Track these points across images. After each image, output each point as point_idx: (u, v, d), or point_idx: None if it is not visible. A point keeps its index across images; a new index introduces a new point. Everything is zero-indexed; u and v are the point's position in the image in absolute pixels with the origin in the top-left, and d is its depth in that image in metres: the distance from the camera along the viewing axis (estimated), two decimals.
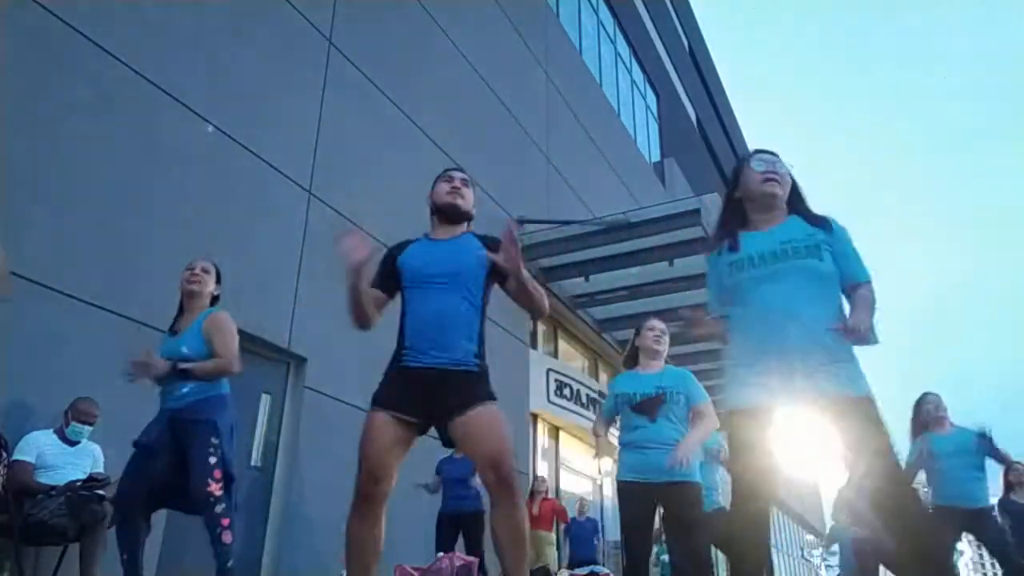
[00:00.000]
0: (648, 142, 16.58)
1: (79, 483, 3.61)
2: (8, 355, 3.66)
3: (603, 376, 11.69)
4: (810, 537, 29.25)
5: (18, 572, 3.32)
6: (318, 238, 5.97)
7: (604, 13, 15.02)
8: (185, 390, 3.15)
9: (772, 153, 2.28)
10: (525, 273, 2.26)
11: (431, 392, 2.23)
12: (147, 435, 3.14)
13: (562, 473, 10.08)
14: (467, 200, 2.55)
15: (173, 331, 3.34)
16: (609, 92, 14.33)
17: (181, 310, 3.40)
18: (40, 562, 3.73)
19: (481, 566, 5.76)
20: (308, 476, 5.51)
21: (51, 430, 3.78)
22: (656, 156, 17.01)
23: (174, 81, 5.02)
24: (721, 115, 24.60)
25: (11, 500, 3.32)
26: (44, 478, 3.62)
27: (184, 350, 3.21)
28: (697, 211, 8.58)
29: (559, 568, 7.93)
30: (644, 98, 16.91)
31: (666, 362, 3.54)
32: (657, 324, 3.57)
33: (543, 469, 9.46)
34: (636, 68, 16.55)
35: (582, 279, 9.38)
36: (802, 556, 28.29)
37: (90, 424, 3.81)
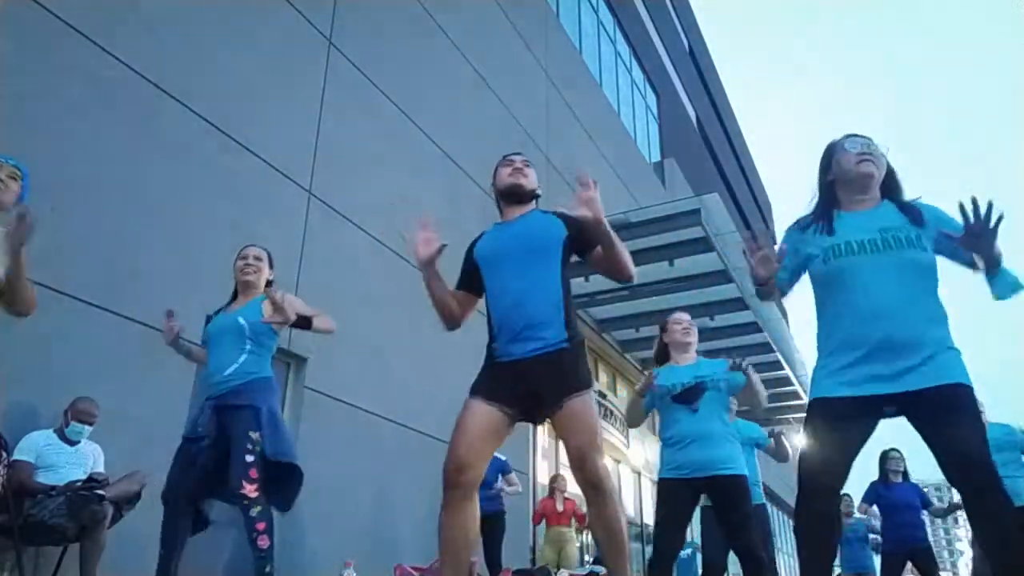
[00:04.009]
0: (648, 142, 16.57)
1: (79, 483, 3.61)
2: (8, 355, 3.66)
3: (603, 376, 11.69)
4: None
5: (18, 572, 3.31)
6: (318, 238, 5.97)
7: (604, 13, 15.01)
8: (229, 371, 3.10)
9: (865, 136, 2.21)
10: (607, 226, 2.20)
11: (525, 383, 2.21)
12: (194, 428, 3.10)
13: (562, 473, 10.07)
14: (530, 179, 2.57)
15: (225, 309, 3.34)
16: (609, 92, 14.32)
17: (235, 296, 3.41)
18: (40, 562, 3.73)
19: (498, 562, 5.83)
20: (308, 476, 5.50)
21: (51, 430, 3.78)
22: (656, 156, 17.01)
23: (174, 81, 5.02)
24: (721, 115, 24.60)
25: (11, 500, 3.32)
26: (44, 478, 3.61)
27: (240, 320, 3.18)
28: (697, 211, 8.59)
29: (559, 568, 7.92)
30: (644, 98, 16.91)
31: (698, 354, 3.49)
32: (683, 317, 3.53)
33: (543, 469, 9.46)
34: (636, 68, 16.55)
35: (582, 279, 9.37)
36: None
37: (90, 424, 3.81)
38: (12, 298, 2.37)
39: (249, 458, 2.96)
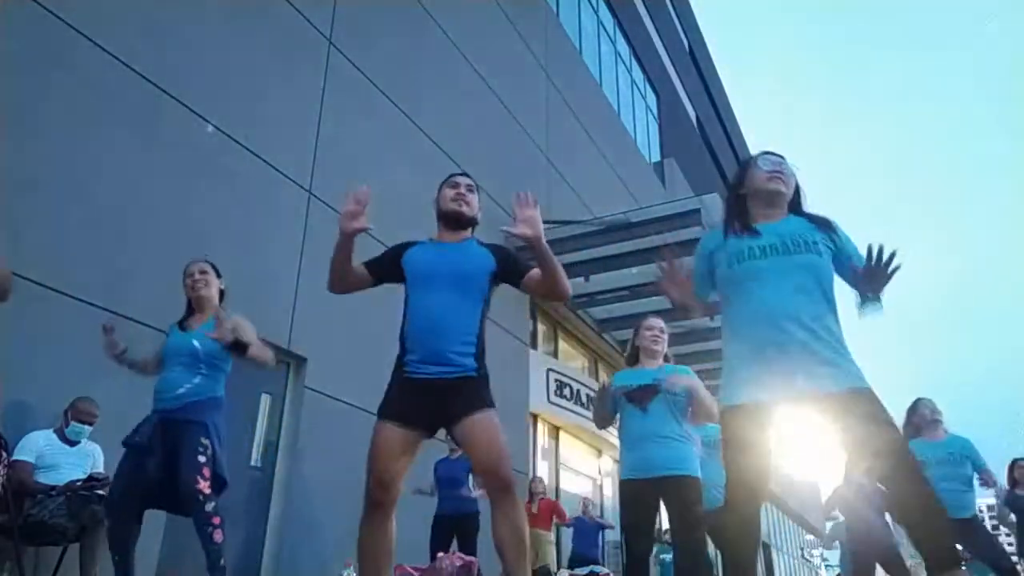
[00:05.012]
0: (648, 142, 16.57)
1: (79, 483, 3.62)
2: (8, 355, 3.66)
3: (603, 376, 11.69)
4: (810, 537, 29.24)
5: (18, 572, 3.31)
6: (318, 238, 5.97)
7: (604, 13, 15.02)
8: (182, 391, 3.15)
9: (779, 155, 2.33)
10: (545, 244, 2.30)
11: (433, 400, 2.31)
12: (138, 435, 3.12)
13: (562, 473, 10.07)
14: (472, 206, 2.58)
15: (183, 327, 3.35)
16: (609, 92, 14.32)
17: (191, 311, 3.42)
18: (40, 562, 3.73)
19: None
20: (308, 476, 5.51)
21: (51, 430, 3.78)
22: (656, 156, 17.00)
23: (174, 81, 5.02)
24: (721, 115, 24.60)
25: (11, 500, 3.32)
26: (44, 478, 3.62)
27: (195, 343, 3.21)
28: (697, 211, 8.58)
29: (559, 567, 7.93)
30: (644, 98, 16.90)
31: (666, 360, 3.55)
32: (655, 323, 3.58)
33: (543, 469, 9.46)
34: (636, 68, 16.55)
35: (582, 279, 9.38)
36: (802, 556, 28.29)
37: (90, 424, 3.81)
38: None
39: (202, 459, 3.05)
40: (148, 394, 3.25)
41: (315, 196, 6.08)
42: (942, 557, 1.82)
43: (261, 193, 5.62)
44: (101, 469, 3.81)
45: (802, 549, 28.53)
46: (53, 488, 3.56)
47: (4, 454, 3.40)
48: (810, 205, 2.35)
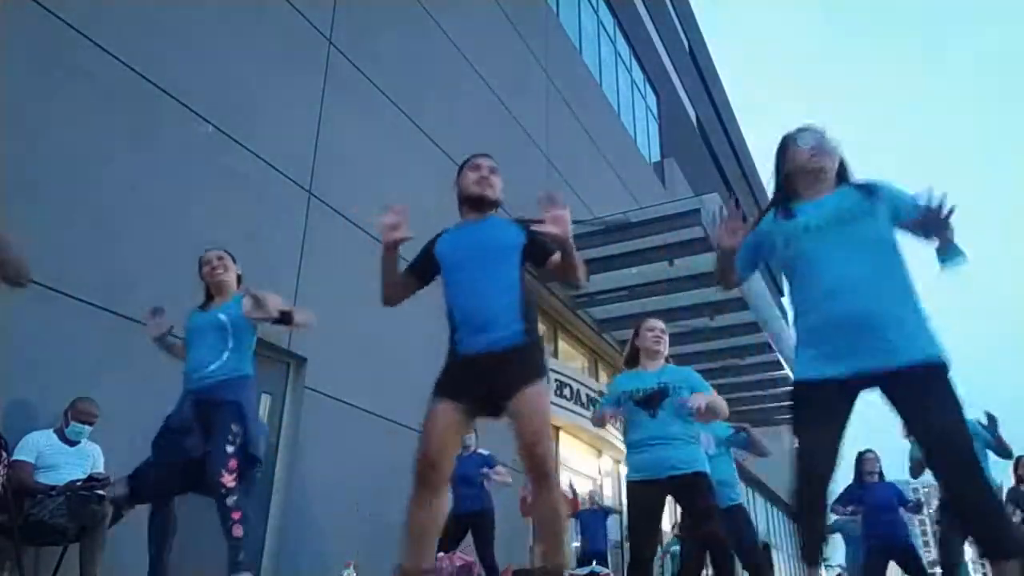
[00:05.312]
0: (648, 142, 16.57)
1: (79, 483, 3.61)
2: (8, 355, 3.66)
3: (603, 376, 11.69)
4: None
5: (18, 572, 3.31)
6: (318, 238, 5.97)
7: (604, 13, 15.01)
8: (212, 367, 3.16)
9: (818, 129, 2.28)
10: (572, 242, 2.34)
11: (486, 376, 2.31)
12: (174, 418, 3.13)
13: (562, 473, 10.07)
14: (495, 189, 2.58)
15: (203, 309, 3.38)
16: (609, 92, 14.32)
17: (209, 297, 3.45)
18: (40, 562, 3.73)
19: (493, 564, 5.75)
20: (308, 476, 5.51)
21: (51, 430, 3.78)
22: (656, 156, 17.00)
23: (174, 81, 5.02)
24: (721, 115, 24.60)
25: (11, 500, 3.32)
26: (44, 478, 3.62)
27: (221, 316, 3.22)
28: (697, 211, 8.58)
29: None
30: (644, 98, 16.90)
31: (667, 361, 3.54)
32: (656, 324, 3.58)
33: None
34: (636, 68, 16.54)
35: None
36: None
37: (90, 424, 3.81)
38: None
39: (229, 448, 3.04)
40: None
41: (315, 196, 6.08)
42: (1000, 548, 1.81)
43: (261, 193, 5.62)
44: (101, 469, 3.81)
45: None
46: (53, 488, 3.56)
47: (4, 454, 3.40)
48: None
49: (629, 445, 3.42)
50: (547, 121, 10.74)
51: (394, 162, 7.09)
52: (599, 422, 3.65)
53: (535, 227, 2.33)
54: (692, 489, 3.22)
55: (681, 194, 14.96)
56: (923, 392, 1.90)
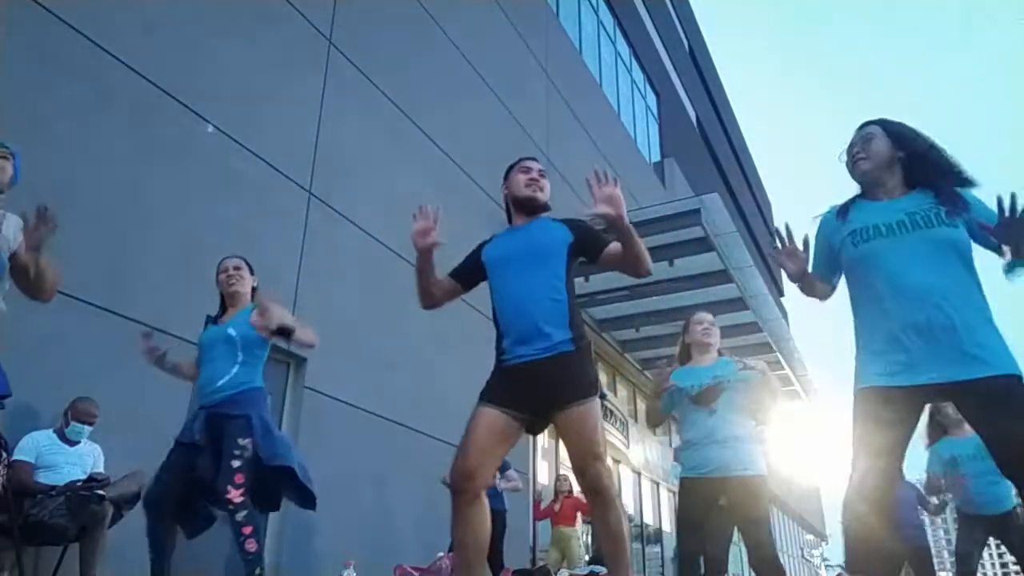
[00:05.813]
0: (648, 142, 16.58)
1: (79, 483, 3.61)
2: (8, 355, 3.66)
3: (603, 376, 11.69)
4: (810, 537, 29.26)
5: (18, 572, 3.31)
6: (318, 238, 5.97)
7: (604, 13, 15.02)
8: (222, 382, 3.14)
9: (861, 129, 2.22)
10: (628, 222, 2.26)
11: (534, 385, 2.24)
12: (188, 433, 3.12)
13: (564, 474, 10.07)
14: (545, 191, 2.55)
15: (215, 321, 3.37)
16: (609, 92, 14.33)
17: (223, 308, 3.44)
18: (40, 562, 3.73)
19: (500, 564, 5.79)
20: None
21: (51, 430, 3.78)
22: (656, 156, 17.01)
23: (174, 81, 5.02)
24: (721, 115, 24.61)
25: (11, 500, 3.32)
26: (44, 478, 3.62)
27: (230, 331, 3.21)
28: (697, 211, 8.59)
29: (562, 567, 7.93)
30: (644, 98, 16.91)
31: (720, 354, 3.48)
32: (705, 317, 3.52)
33: (543, 469, 9.46)
34: (636, 68, 16.55)
35: (582, 279, 9.39)
36: (802, 556, 28.30)
37: (90, 424, 3.81)
38: (35, 285, 2.50)
39: (236, 463, 3.00)
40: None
41: (315, 196, 6.08)
42: None
43: (261, 193, 5.61)
44: (101, 469, 3.81)
45: (802, 549, 28.55)
46: (53, 488, 3.56)
47: (4, 454, 3.39)
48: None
49: (686, 442, 3.34)
50: (547, 121, 10.74)
51: (394, 162, 7.09)
52: (658, 420, 3.54)
53: (586, 213, 2.25)
54: (746, 491, 3.14)
55: (681, 194, 14.97)
56: (1003, 403, 1.84)
